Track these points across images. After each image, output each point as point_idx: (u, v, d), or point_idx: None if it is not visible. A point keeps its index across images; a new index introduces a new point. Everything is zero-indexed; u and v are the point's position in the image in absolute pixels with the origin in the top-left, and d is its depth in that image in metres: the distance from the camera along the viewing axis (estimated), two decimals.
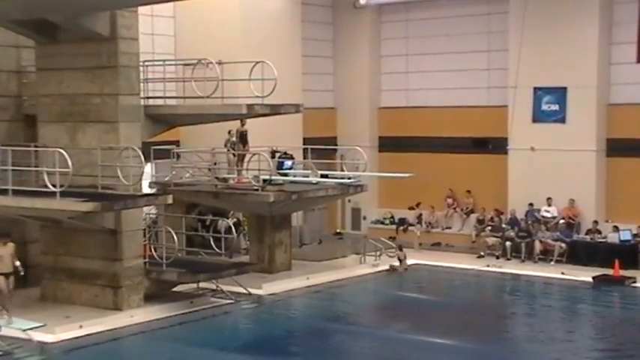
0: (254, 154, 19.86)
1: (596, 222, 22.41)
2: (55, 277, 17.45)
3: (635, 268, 20.94)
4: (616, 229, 21.95)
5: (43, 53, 17.63)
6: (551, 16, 23.08)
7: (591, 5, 22.58)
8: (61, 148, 15.84)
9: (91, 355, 15.00)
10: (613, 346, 15.87)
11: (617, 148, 22.73)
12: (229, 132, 20.23)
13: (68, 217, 16.08)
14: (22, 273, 16.01)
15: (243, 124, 19.92)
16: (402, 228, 25.55)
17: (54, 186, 15.33)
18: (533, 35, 23.12)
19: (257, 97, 18.22)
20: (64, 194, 15.40)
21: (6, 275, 15.70)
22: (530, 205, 23.21)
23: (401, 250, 22.18)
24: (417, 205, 25.22)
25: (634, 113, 22.52)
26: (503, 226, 23.17)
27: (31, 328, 15.42)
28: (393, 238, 24.33)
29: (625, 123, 22.63)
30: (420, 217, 25.16)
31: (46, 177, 15.54)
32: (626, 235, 21.75)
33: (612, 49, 22.87)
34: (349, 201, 25.97)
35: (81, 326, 15.84)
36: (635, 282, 20.20)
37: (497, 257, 22.76)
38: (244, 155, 20.03)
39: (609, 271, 20.58)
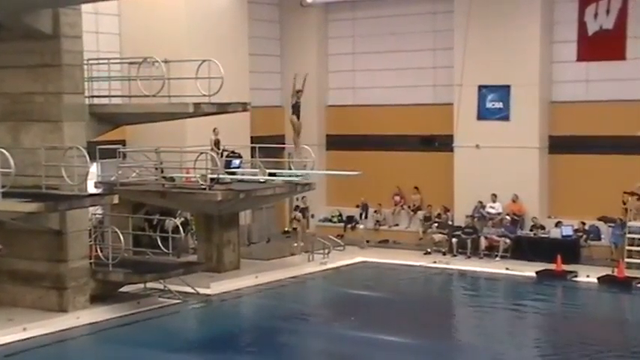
0: (202, 153, 19.77)
1: (535, 217, 22.85)
2: None
3: (577, 263, 21.43)
4: (558, 224, 22.44)
5: None
6: (494, 16, 23.43)
7: (533, 5, 22.96)
8: (3, 147, 15.52)
9: (36, 359, 14.76)
10: (555, 339, 16.23)
11: (558, 145, 23.19)
12: (214, 130, 20.09)
13: (11, 217, 15.79)
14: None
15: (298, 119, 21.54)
16: (349, 226, 25.71)
17: None
18: (477, 34, 23.44)
19: (204, 95, 18.12)
20: (6, 195, 15.14)
21: None
22: (480, 202, 23.54)
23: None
24: (360, 205, 25.52)
25: (575, 110, 23.00)
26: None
27: None
28: (341, 236, 24.48)
29: (566, 120, 23.10)
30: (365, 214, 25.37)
31: None
32: (567, 231, 22.22)
33: (553, 47, 23.32)
34: (297, 199, 26.02)
35: (25, 329, 15.59)
36: (576, 276, 20.66)
37: (444, 253, 23.05)
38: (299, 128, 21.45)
39: (552, 266, 21.04)
